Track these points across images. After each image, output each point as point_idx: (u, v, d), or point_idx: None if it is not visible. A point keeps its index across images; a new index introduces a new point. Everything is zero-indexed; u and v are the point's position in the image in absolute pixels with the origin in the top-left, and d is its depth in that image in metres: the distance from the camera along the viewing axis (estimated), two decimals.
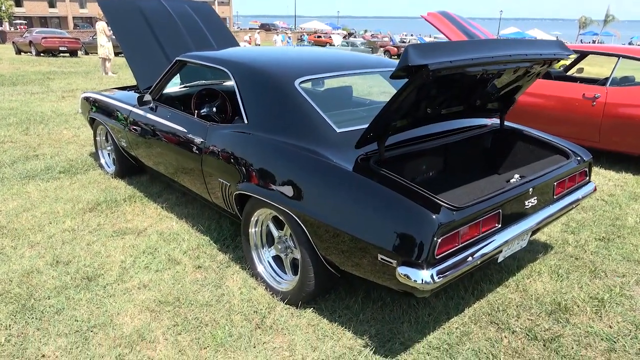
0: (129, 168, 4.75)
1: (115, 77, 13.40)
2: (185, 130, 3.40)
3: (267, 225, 2.89)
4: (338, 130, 2.64)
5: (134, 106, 4.11)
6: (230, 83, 4.49)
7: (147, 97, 3.79)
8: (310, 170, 2.48)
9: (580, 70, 6.97)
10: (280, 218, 2.68)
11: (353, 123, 2.78)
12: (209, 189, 3.26)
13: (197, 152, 3.24)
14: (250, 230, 2.94)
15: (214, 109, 4.13)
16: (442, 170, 3.12)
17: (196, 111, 4.02)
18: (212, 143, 3.12)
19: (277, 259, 2.94)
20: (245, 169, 2.82)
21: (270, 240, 2.95)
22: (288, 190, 2.52)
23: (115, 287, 2.90)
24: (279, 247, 2.83)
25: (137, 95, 4.43)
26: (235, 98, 3.15)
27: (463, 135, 3.02)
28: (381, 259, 2.11)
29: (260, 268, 2.93)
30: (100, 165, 5.02)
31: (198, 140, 3.23)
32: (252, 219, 2.90)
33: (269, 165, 2.69)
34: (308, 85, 3.05)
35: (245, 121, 2.94)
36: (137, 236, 3.60)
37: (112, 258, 3.27)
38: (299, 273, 2.64)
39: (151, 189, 4.52)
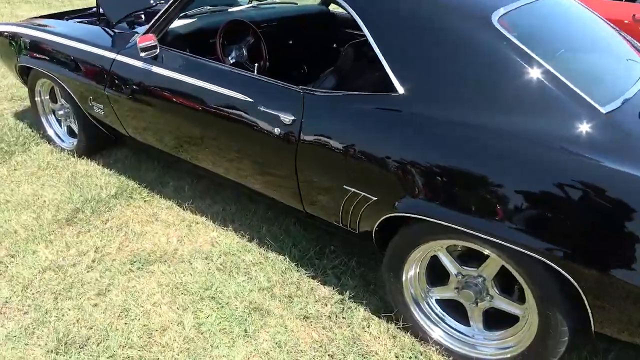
0: (100, 140, 3.23)
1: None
2: (251, 100, 2.05)
3: (430, 259, 1.82)
4: (604, 110, 1.53)
5: (118, 52, 2.56)
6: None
7: (149, 40, 2.30)
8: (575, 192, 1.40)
9: None
10: (486, 252, 1.62)
11: (615, 89, 1.67)
12: (305, 195, 2.04)
13: (282, 137, 1.96)
14: (406, 270, 1.84)
15: (245, 54, 2.73)
16: None
17: (226, 58, 2.61)
18: (320, 126, 1.86)
19: (442, 302, 1.90)
20: (414, 177, 1.65)
21: (433, 279, 1.88)
22: (535, 225, 1.45)
23: None
24: (461, 288, 1.78)
25: (106, 30, 2.85)
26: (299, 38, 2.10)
27: None
28: None
29: (436, 333, 1.89)
30: (48, 139, 3.40)
31: (285, 118, 1.94)
32: (412, 254, 1.79)
33: (489, 176, 1.55)
34: (506, 21, 1.83)
35: (400, 90, 1.70)
36: (170, 265, 2.31)
37: (154, 321, 2.01)
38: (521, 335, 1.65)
39: (144, 171, 3.09)
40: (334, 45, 3.68)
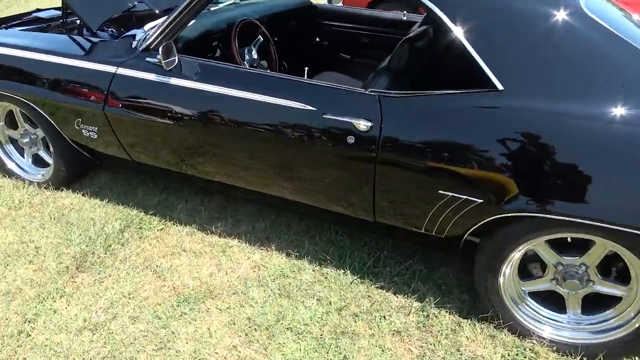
0: (81, 166, 2.80)
1: None
2: (313, 109, 1.85)
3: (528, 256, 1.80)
4: None
5: (119, 65, 2.20)
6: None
7: (166, 46, 2.00)
8: None
9: None
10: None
11: None
12: (380, 204, 1.90)
13: (356, 146, 1.80)
14: (503, 269, 1.79)
15: (254, 55, 2.50)
16: None
17: (243, 62, 2.38)
18: (406, 130, 1.74)
19: (536, 295, 1.89)
20: (523, 174, 1.60)
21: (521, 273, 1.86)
22: None
23: None
24: (562, 278, 1.78)
25: (85, 39, 2.46)
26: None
27: None
28: None
29: (536, 327, 1.86)
30: (8, 173, 2.86)
31: (360, 125, 1.78)
32: (513, 253, 1.75)
33: (599, 165, 1.53)
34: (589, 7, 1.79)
35: (499, 86, 1.62)
36: (223, 299, 2.05)
37: None
38: None
39: (143, 196, 2.73)
40: (317, 39, 3.53)
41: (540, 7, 1.64)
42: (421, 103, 1.73)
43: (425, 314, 2.02)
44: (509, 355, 1.84)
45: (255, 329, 1.93)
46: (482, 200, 1.68)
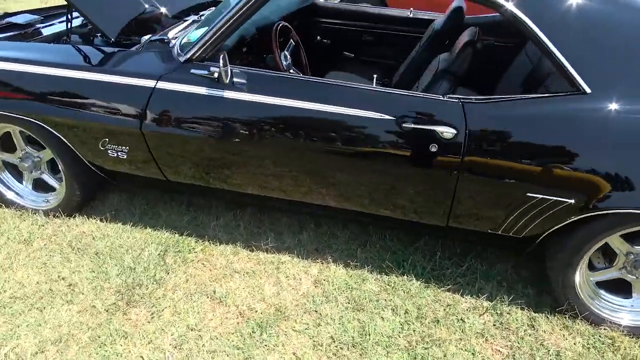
0: (95, 188, 2.56)
1: None
2: (391, 118, 1.80)
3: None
4: None
5: (159, 78, 2.00)
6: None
7: (224, 56, 1.85)
8: None
9: None
10: None
11: None
12: (458, 210, 1.90)
13: (440, 154, 1.78)
14: (581, 264, 1.87)
15: (289, 60, 2.39)
16: None
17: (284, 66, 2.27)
18: (492, 136, 1.74)
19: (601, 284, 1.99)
20: (615, 173, 1.66)
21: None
22: None
23: None
24: (632, 266, 1.89)
25: (100, 50, 2.25)
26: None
27: None
28: None
29: (612, 315, 1.96)
30: (6, 203, 2.54)
31: (444, 132, 1.75)
32: (593, 248, 1.83)
33: None
34: None
35: (588, 90, 1.66)
36: (297, 320, 1.97)
37: None
38: None
39: (167, 216, 2.53)
40: (318, 37, 3.44)
41: (626, 11, 1.70)
42: (506, 108, 1.75)
43: (498, 312, 2.06)
44: (587, 343, 1.93)
45: (342, 348, 1.87)
46: (572, 201, 1.73)
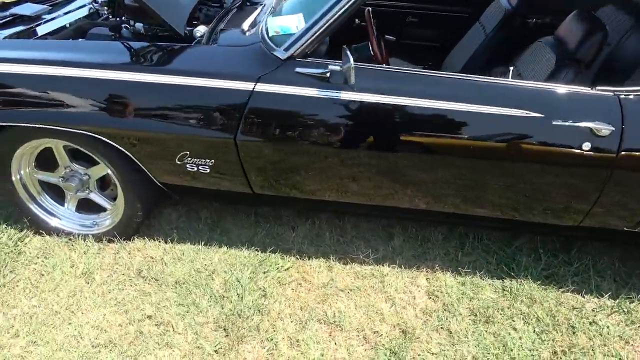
0: (153, 208, 2.24)
1: None
2: (539, 115, 1.61)
3: None
4: None
5: (257, 79, 1.71)
6: None
7: (345, 50, 1.59)
8: None
9: None
10: None
11: None
12: (601, 207, 1.76)
13: (593, 152, 1.62)
14: None
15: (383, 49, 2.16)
16: None
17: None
18: None
19: None
20: None
21: None
22: None
23: None
24: None
25: (148, 47, 1.95)
26: None
27: None
28: None
29: None
30: (50, 231, 2.16)
31: (601, 129, 1.59)
32: None
33: None
34: None
35: None
36: (429, 334, 1.79)
37: None
38: None
39: (239, 231, 2.24)
40: (356, 20, 3.19)
41: None
42: None
43: (624, 310, 1.97)
44: None
45: None
46: None
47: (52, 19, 2.38)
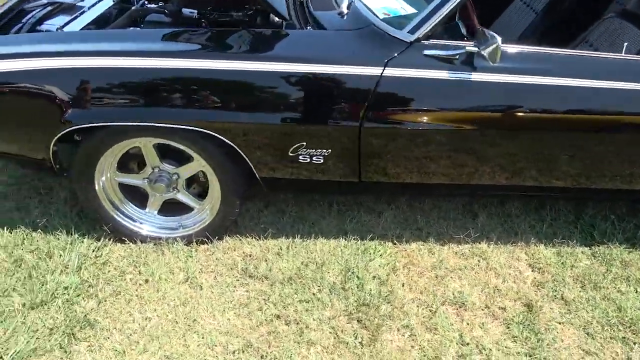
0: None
1: None
2: None
3: None
4: None
5: (386, 64, 1.65)
6: None
7: (496, 38, 1.56)
8: None
9: None
10: None
11: None
12: None
13: None
14: None
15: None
16: None
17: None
18: None
19: None
20: None
21: None
22: None
23: None
24: None
25: (240, 34, 1.86)
26: None
27: None
28: None
29: None
30: (142, 239, 2.02)
31: None
32: None
33: None
34: None
35: None
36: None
37: None
38: None
39: (326, 220, 2.20)
40: None
41: None
42: None
43: None
44: None
45: (617, 329, 1.81)
46: None
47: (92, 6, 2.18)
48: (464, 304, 1.88)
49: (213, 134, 1.72)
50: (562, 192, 2.07)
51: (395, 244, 2.13)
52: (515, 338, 1.77)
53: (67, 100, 1.69)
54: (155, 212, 2.06)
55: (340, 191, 2.18)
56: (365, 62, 1.68)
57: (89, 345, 1.66)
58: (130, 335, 1.69)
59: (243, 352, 1.66)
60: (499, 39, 1.55)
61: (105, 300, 1.81)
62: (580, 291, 1.96)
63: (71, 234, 2.05)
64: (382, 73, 1.67)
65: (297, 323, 1.76)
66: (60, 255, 1.95)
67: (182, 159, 1.93)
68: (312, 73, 1.68)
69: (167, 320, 1.75)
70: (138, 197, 2.05)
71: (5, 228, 2.07)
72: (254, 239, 2.10)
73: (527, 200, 2.40)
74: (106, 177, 1.93)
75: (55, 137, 1.74)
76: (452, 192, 2.15)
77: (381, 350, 1.69)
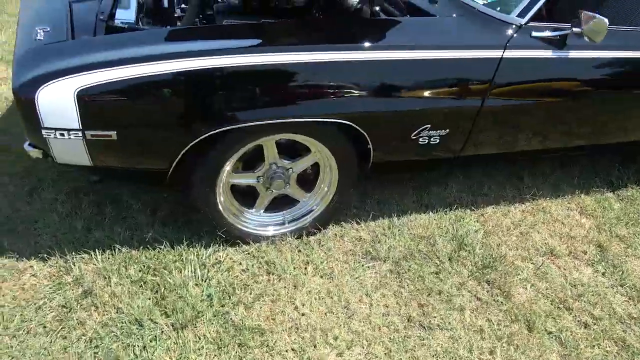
0: None
1: None
2: None
3: None
4: None
5: (505, 46, 1.80)
6: None
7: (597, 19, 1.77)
8: None
9: None
10: None
11: None
12: None
13: None
14: None
15: None
16: None
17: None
18: None
19: None
20: None
21: None
22: None
23: None
24: None
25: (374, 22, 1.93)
26: None
27: None
28: None
29: None
30: (267, 240, 1.99)
31: None
32: None
33: None
34: None
35: None
36: None
37: None
38: None
39: (438, 199, 2.33)
40: None
41: None
42: None
43: None
44: None
45: None
46: None
47: None
48: (553, 253, 2.17)
49: (350, 124, 1.74)
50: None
51: (472, 210, 2.35)
52: (604, 274, 2.11)
53: (211, 104, 1.58)
54: (262, 210, 2.01)
55: (433, 167, 2.30)
56: (486, 46, 1.82)
57: (265, 352, 1.62)
58: (300, 333, 1.69)
59: (407, 327, 1.76)
60: (606, 20, 1.80)
61: (253, 305, 1.76)
62: (630, 227, 2.37)
63: (174, 246, 1.92)
64: (502, 55, 1.82)
65: (440, 293, 1.90)
66: (179, 269, 1.83)
67: (294, 154, 1.91)
68: (440, 59, 1.77)
69: (320, 312, 1.77)
70: (238, 198, 1.98)
71: (97, 250, 1.86)
72: (355, 223, 2.16)
73: (552, 160, 2.77)
74: (223, 182, 1.83)
75: (190, 144, 1.61)
76: (539, 155, 2.40)
77: (517, 303, 1.91)
